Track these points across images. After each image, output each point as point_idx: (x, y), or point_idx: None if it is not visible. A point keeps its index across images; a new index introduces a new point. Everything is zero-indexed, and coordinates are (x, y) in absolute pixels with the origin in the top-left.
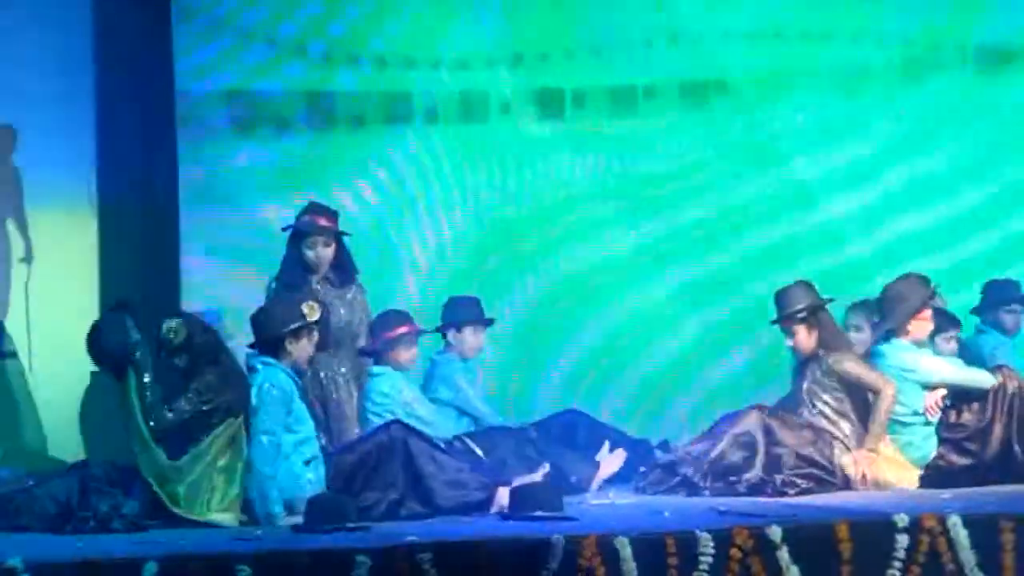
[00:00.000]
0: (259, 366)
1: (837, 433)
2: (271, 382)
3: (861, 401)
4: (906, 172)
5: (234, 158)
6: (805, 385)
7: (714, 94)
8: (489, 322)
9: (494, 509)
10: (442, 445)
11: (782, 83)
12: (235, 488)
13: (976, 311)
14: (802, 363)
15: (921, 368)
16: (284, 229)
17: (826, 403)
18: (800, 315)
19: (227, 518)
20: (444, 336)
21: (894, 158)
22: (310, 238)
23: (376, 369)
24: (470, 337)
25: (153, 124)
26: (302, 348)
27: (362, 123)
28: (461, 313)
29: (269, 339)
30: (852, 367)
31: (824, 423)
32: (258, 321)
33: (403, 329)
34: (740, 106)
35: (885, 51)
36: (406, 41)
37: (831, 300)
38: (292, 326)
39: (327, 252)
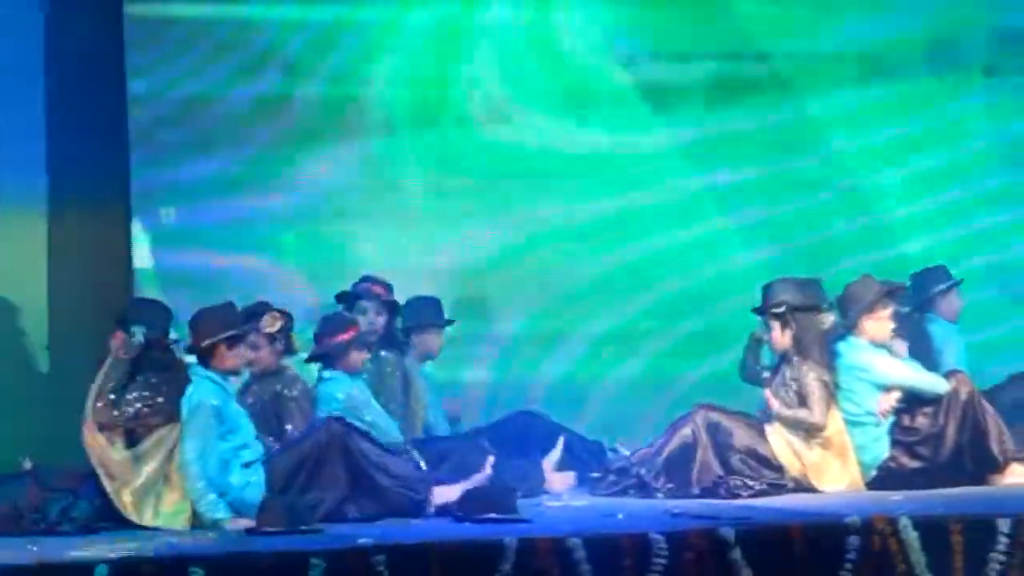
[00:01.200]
0: (193, 377)
1: (791, 435)
2: (199, 397)
3: None
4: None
5: (186, 162)
6: (773, 384)
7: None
8: (448, 323)
9: (431, 509)
10: (382, 443)
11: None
12: (182, 494)
13: (915, 306)
14: (778, 360)
15: (876, 369)
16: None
17: (785, 405)
18: (776, 311)
19: (177, 522)
20: (405, 337)
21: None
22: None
23: (327, 373)
24: (431, 338)
25: (105, 126)
26: (238, 356)
27: (318, 135)
28: (422, 315)
29: (201, 346)
30: (812, 384)
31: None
32: (193, 325)
33: (350, 333)
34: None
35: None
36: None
37: (814, 306)
38: (224, 334)
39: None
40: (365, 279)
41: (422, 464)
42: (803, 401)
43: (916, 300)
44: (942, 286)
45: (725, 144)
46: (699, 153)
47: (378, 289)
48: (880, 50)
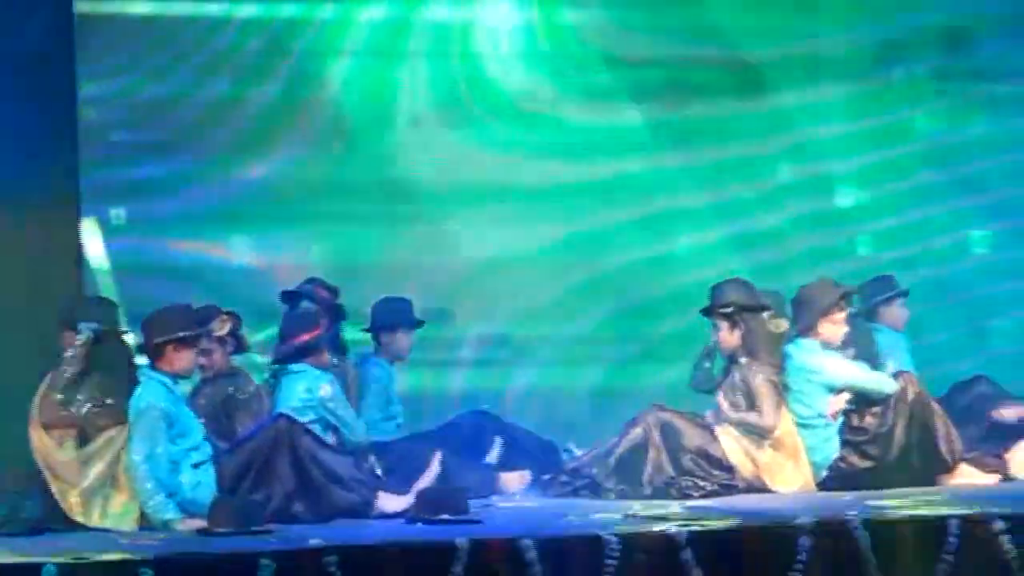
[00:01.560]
0: (141, 379)
1: (743, 436)
2: (147, 400)
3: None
4: None
5: (136, 162)
6: (723, 386)
7: None
8: (419, 324)
9: (375, 513)
10: (329, 442)
11: None
12: (130, 495)
13: (861, 312)
14: (728, 362)
15: (826, 370)
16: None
17: (734, 407)
18: (723, 311)
19: (125, 523)
20: (375, 337)
21: None
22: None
23: (296, 367)
24: (402, 339)
25: (54, 125)
26: (187, 358)
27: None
28: (393, 315)
29: (151, 346)
30: (761, 386)
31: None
32: (143, 326)
33: (319, 330)
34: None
35: None
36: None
37: (763, 307)
38: (173, 335)
39: None
40: (311, 281)
41: (377, 469)
42: (752, 403)
43: (862, 308)
44: (886, 295)
45: (692, 151)
46: (666, 158)
47: (323, 292)
48: (834, 53)
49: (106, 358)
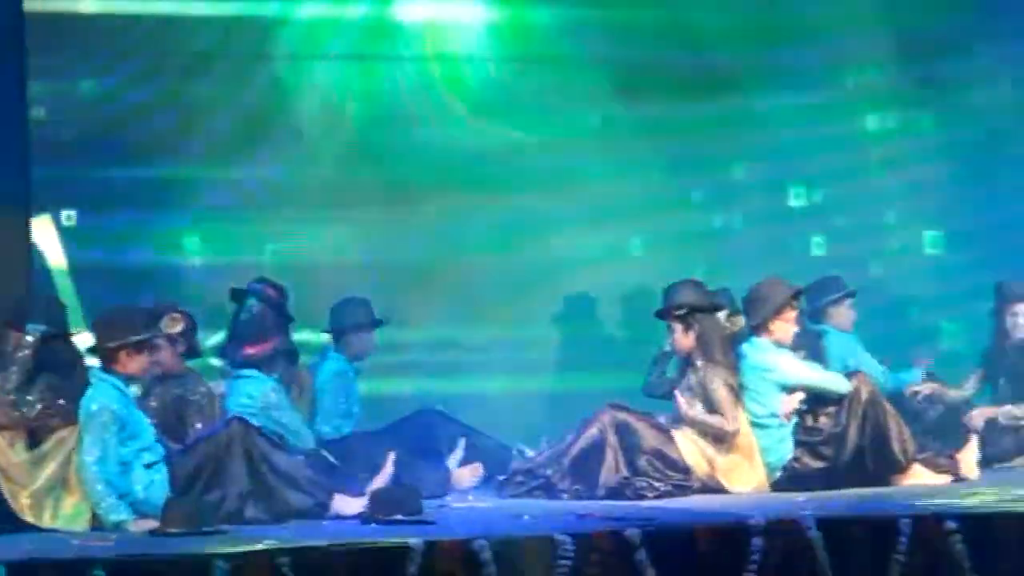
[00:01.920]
0: (93, 381)
1: (699, 437)
2: (98, 403)
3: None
4: None
5: (88, 162)
6: (679, 388)
7: None
8: (379, 323)
9: (330, 514)
10: (286, 446)
11: None
12: (82, 496)
13: (809, 315)
14: (683, 364)
15: (780, 369)
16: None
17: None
18: (677, 313)
19: (77, 524)
20: (336, 337)
21: None
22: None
23: (245, 371)
24: (364, 339)
25: (3, 126)
26: (140, 361)
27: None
28: (355, 315)
29: (104, 349)
30: (719, 389)
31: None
32: (96, 329)
33: (276, 340)
34: None
35: None
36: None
37: (717, 308)
38: (126, 339)
39: None
40: (260, 280)
41: (333, 460)
42: (710, 406)
43: (809, 310)
44: (835, 296)
45: (648, 150)
46: (620, 157)
47: (271, 291)
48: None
49: (56, 359)
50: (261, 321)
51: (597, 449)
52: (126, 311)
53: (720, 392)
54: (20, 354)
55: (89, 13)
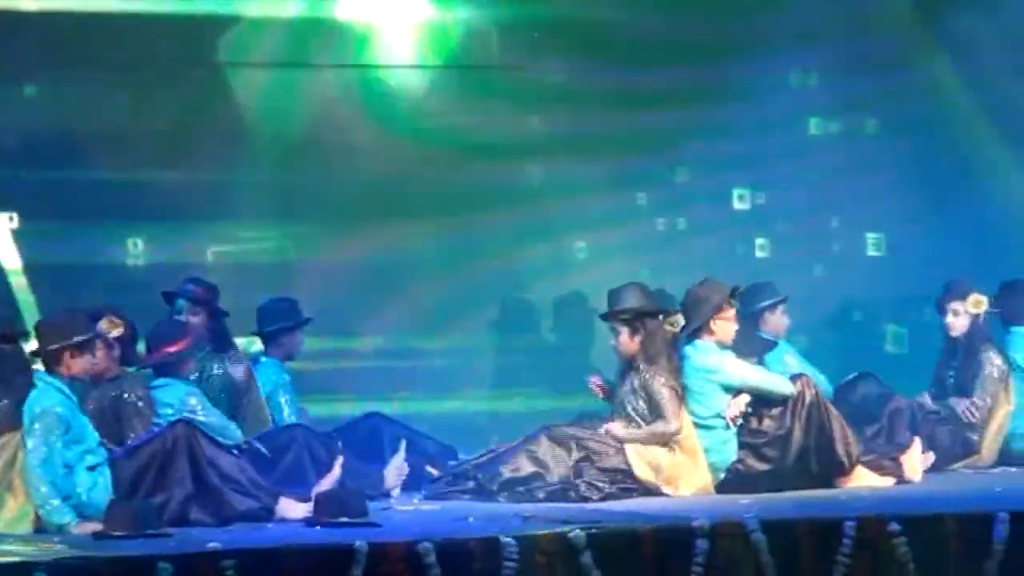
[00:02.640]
0: (37, 383)
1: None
2: (42, 405)
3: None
4: None
5: (28, 164)
6: (621, 391)
7: None
8: (306, 321)
9: (276, 518)
10: (229, 447)
11: None
12: (25, 499)
13: (743, 319)
14: (625, 367)
15: (724, 370)
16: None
17: (636, 412)
18: (623, 316)
19: (20, 528)
20: (264, 340)
21: None
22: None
23: (159, 380)
24: (296, 338)
25: None
26: (84, 362)
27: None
28: (285, 316)
29: (47, 351)
30: (662, 390)
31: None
32: (39, 331)
33: (184, 342)
34: None
35: None
36: None
37: (662, 311)
38: (70, 340)
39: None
40: (191, 280)
41: (265, 452)
42: (653, 408)
43: (743, 315)
44: (770, 301)
45: (590, 155)
46: (564, 162)
47: (201, 291)
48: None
49: (1, 362)
50: (174, 326)
51: (535, 463)
52: (68, 313)
53: (663, 392)
54: None
55: (29, 11)
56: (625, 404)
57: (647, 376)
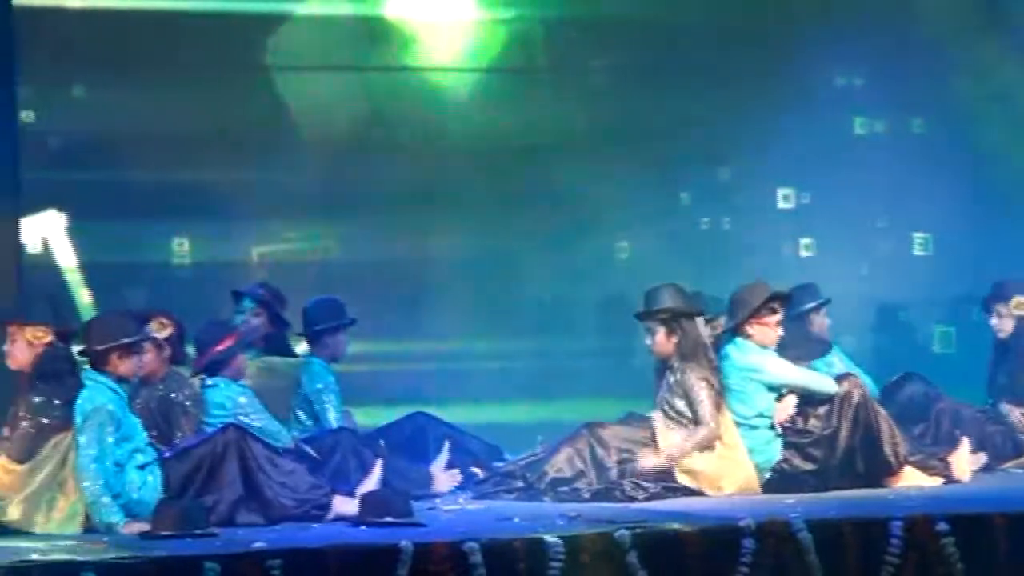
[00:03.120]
0: (87, 383)
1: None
2: (94, 403)
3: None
4: None
5: (76, 161)
6: (660, 391)
7: None
8: (350, 323)
9: (330, 516)
10: (280, 450)
11: None
12: (76, 498)
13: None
14: (661, 367)
15: (766, 369)
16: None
17: (674, 411)
18: (660, 316)
19: (70, 527)
20: (309, 340)
21: None
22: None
23: (211, 380)
24: (340, 339)
25: None
26: (131, 364)
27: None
28: (334, 315)
29: (95, 351)
30: (699, 390)
31: (672, 430)
32: (88, 331)
33: (231, 340)
34: None
35: None
36: None
37: (700, 313)
38: (117, 341)
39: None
40: (261, 284)
41: (314, 455)
42: (690, 405)
43: (792, 316)
44: (814, 303)
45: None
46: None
47: (266, 294)
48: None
49: (54, 362)
50: (219, 326)
51: (579, 461)
52: (118, 314)
53: (699, 392)
54: (23, 359)
55: (77, 9)
56: (664, 404)
57: (683, 374)
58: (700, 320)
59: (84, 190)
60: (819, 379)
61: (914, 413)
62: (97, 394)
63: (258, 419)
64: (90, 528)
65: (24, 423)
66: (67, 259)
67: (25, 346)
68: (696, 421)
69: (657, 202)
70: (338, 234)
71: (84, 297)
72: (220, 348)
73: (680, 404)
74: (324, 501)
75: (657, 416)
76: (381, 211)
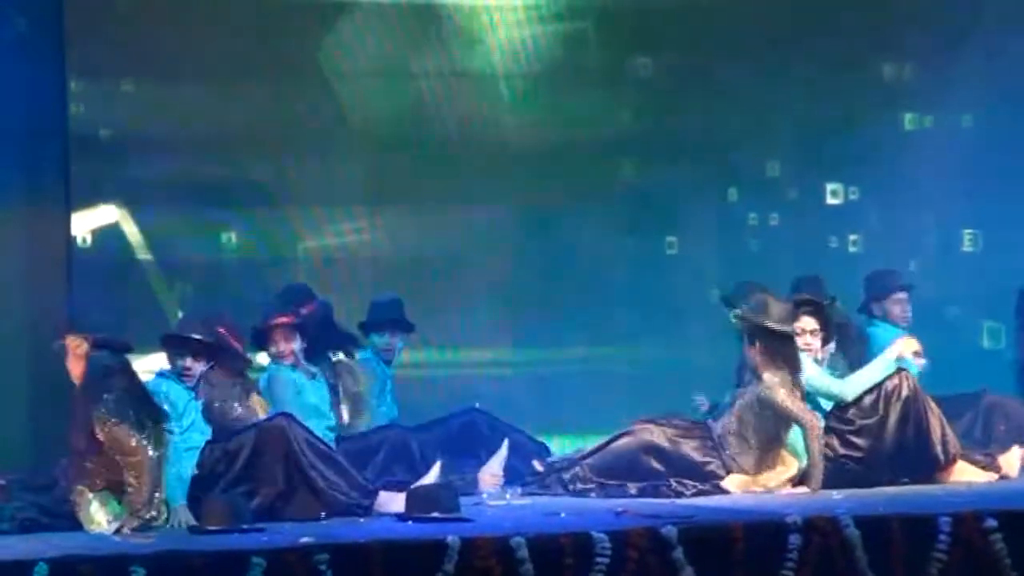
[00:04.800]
0: (156, 379)
1: (733, 446)
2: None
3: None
4: None
5: (127, 158)
6: (737, 399)
7: None
8: (407, 325)
9: (375, 512)
10: (325, 441)
11: None
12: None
13: (862, 308)
14: (747, 373)
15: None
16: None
17: (745, 423)
18: (748, 325)
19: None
20: (366, 336)
21: None
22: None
23: (274, 364)
24: (394, 339)
25: (42, 119)
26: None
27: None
28: (383, 314)
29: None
30: (780, 399)
31: (733, 440)
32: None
33: (277, 320)
34: None
35: None
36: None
37: (787, 332)
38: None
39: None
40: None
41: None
42: (778, 419)
43: (864, 303)
44: (890, 290)
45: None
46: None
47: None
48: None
49: (95, 370)
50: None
51: (630, 457)
52: (188, 324)
53: (782, 399)
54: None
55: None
56: (738, 414)
57: (763, 388)
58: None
59: (133, 185)
60: (831, 383)
61: (962, 407)
62: (172, 389)
63: (310, 398)
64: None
65: (106, 428)
66: (117, 254)
67: (74, 358)
68: (798, 423)
69: (705, 198)
70: (384, 229)
71: (129, 291)
72: (286, 320)
73: (751, 418)
74: (364, 500)
75: (726, 426)
76: (427, 207)
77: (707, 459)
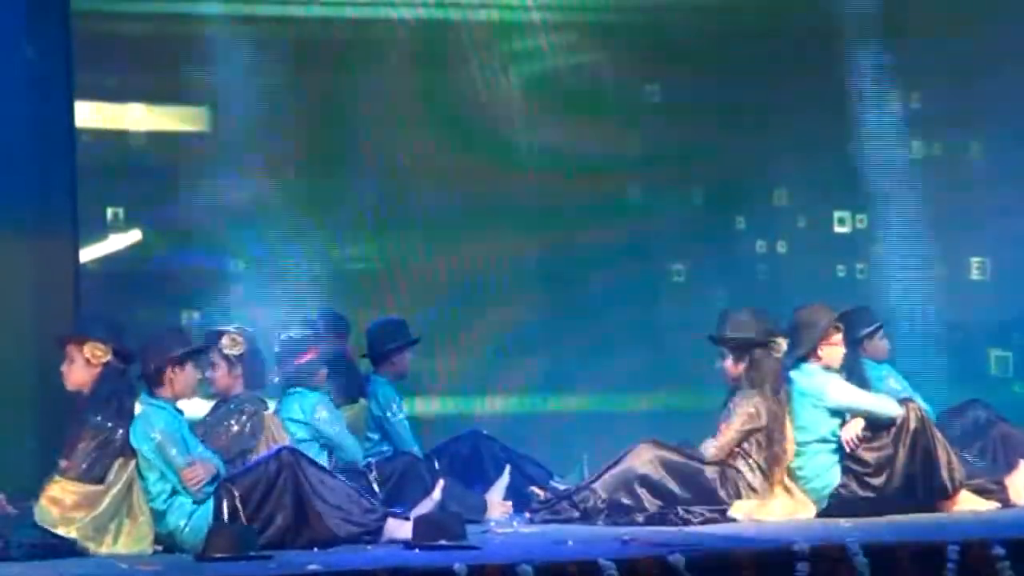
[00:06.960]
0: (142, 406)
1: (740, 468)
2: (153, 425)
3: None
4: None
5: (133, 175)
6: (723, 415)
7: None
8: (415, 342)
9: (384, 540)
10: (333, 473)
11: None
12: (143, 520)
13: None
14: (730, 390)
15: (829, 393)
16: None
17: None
18: (729, 343)
19: (135, 550)
20: (373, 360)
21: None
22: None
23: (292, 390)
24: (405, 358)
25: (50, 137)
26: (185, 379)
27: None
28: (399, 335)
29: (150, 369)
30: (740, 414)
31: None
32: (143, 354)
33: (314, 352)
34: None
35: None
36: None
37: (770, 342)
38: (171, 354)
39: None
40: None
41: (375, 486)
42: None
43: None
44: (871, 328)
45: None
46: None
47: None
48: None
49: (113, 381)
50: (301, 340)
51: (635, 483)
52: (167, 330)
53: (738, 418)
54: (86, 380)
55: (133, 17)
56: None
57: (739, 399)
58: (782, 343)
59: (140, 202)
60: (883, 402)
61: (974, 436)
62: (155, 415)
63: (334, 431)
64: (158, 550)
65: (86, 444)
66: (123, 272)
67: (83, 365)
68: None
69: (713, 225)
70: (391, 247)
71: (140, 312)
72: (305, 360)
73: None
74: (378, 525)
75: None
76: (440, 226)
77: (712, 476)
